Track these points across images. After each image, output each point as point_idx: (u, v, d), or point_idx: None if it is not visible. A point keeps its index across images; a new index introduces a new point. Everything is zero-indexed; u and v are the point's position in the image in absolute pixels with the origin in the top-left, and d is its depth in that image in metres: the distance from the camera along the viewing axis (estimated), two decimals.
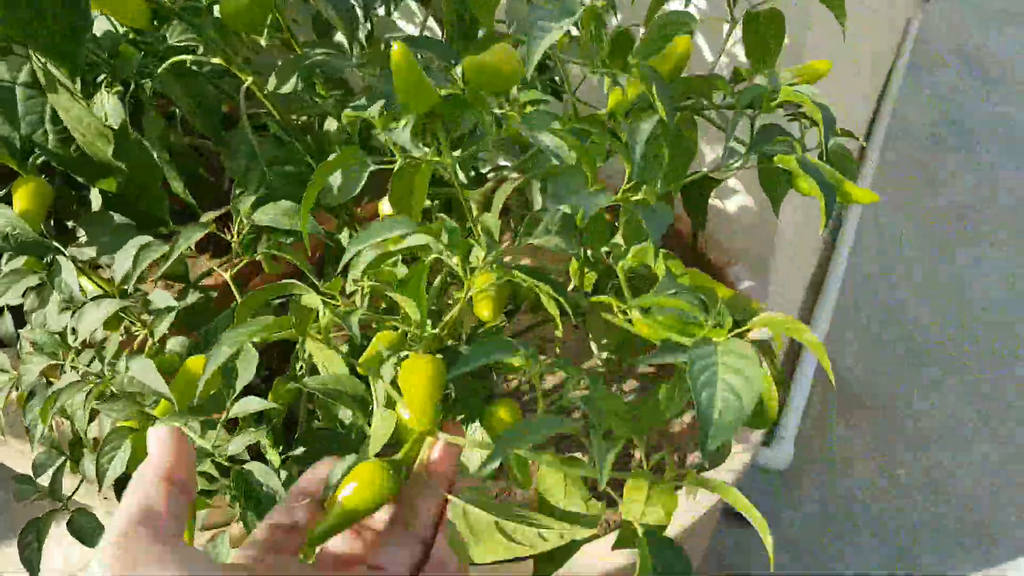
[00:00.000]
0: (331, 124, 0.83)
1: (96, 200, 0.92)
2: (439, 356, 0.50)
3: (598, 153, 0.54)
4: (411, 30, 1.34)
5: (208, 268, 1.15)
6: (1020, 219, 2.24)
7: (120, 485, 0.77)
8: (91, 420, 0.78)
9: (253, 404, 0.62)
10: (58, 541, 1.67)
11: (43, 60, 0.64)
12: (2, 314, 1.15)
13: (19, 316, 1.02)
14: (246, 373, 0.61)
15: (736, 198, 1.35)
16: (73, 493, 0.88)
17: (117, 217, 0.80)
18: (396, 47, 0.49)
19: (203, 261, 1.29)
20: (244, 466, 0.63)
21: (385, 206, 0.72)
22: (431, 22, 1.07)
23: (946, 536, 1.53)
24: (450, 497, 0.47)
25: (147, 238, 0.67)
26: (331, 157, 0.71)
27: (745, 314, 0.45)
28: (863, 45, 1.71)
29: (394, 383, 0.51)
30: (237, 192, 0.72)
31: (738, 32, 0.74)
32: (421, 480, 0.48)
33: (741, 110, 0.57)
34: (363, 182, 0.73)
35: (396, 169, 0.53)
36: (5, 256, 0.82)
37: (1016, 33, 3.02)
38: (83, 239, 0.81)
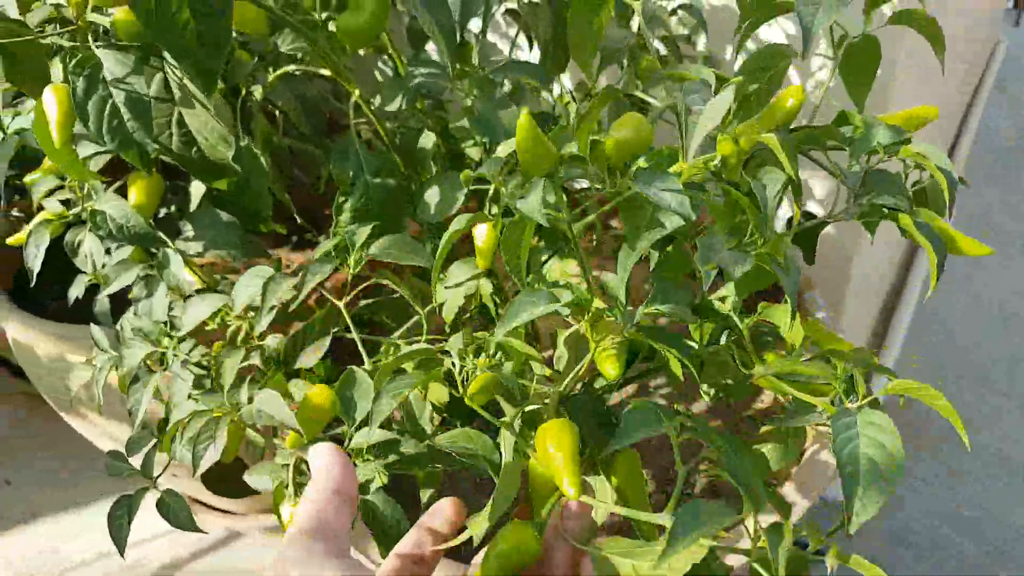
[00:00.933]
0: (426, 139, 0.85)
1: (196, 194, 0.96)
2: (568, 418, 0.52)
3: (724, 209, 0.55)
4: (496, 40, 1.35)
5: (288, 262, 1.19)
6: None
7: (209, 471, 0.80)
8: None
9: (377, 435, 0.64)
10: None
11: (178, 73, 0.67)
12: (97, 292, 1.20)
13: (113, 298, 1.07)
14: (364, 403, 0.64)
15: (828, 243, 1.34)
16: (162, 472, 0.92)
17: (222, 214, 0.84)
18: (523, 118, 0.51)
19: (283, 253, 1.33)
20: (367, 497, 0.66)
21: (480, 230, 0.73)
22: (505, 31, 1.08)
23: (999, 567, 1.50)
24: (587, 549, 0.49)
25: (269, 270, 0.70)
26: (430, 176, 0.74)
27: (867, 367, 0.46)
28: (951, 65, 1.68)
29: (522, 436, 0.54)
30: (340, 200, 0.74)
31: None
32: (558, 534, 0.50)
33: (855, 161, 0.57)
34: (460, 203, 0.76)
35: (510, 223, 0.55)
36: (114, 245, 0.87)
37: None
38: (189, 233, 0.84)
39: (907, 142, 0.56)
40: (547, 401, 0.57)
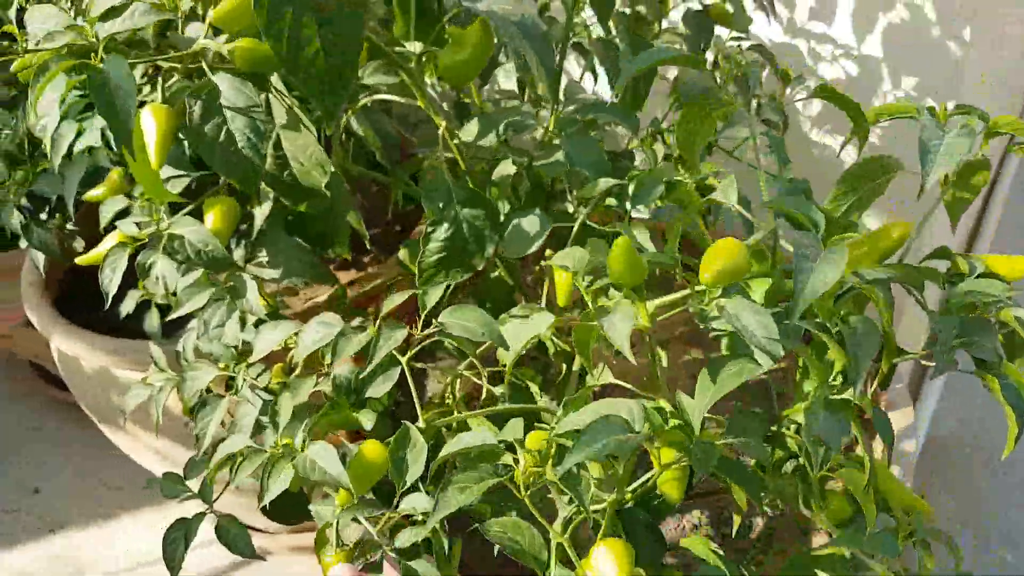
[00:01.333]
0: (504, 167, 0.84)
1: (260, 218, 0.96)
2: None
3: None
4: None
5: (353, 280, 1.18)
6: None
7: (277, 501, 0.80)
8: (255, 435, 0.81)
9: (421, 502, 0.64)
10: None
11: (287, 100, 0.67)
12: (149, 309, 1.20)
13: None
14: (416, 466, 0.63)
15: None
16: (218, 497, 0.91)
17: (296, 240, 0.84)
18: (621, 241, 0.51)
19: (339, 272, 1.33)
20: (412, 563, 0.65)
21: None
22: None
23: None
24: None
25: (339, 322, 0.70)
26: (515, 209, 0.74)
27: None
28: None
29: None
30: (429, 230, 0.74)
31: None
32: None
33: (956, 310, 0.56)
34: (544, 238, 0.75)
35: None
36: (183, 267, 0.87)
37: None
38: (262, 258, 0.84)
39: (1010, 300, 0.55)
40: (601, 506, 0.58)
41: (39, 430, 2.03)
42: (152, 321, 1.15)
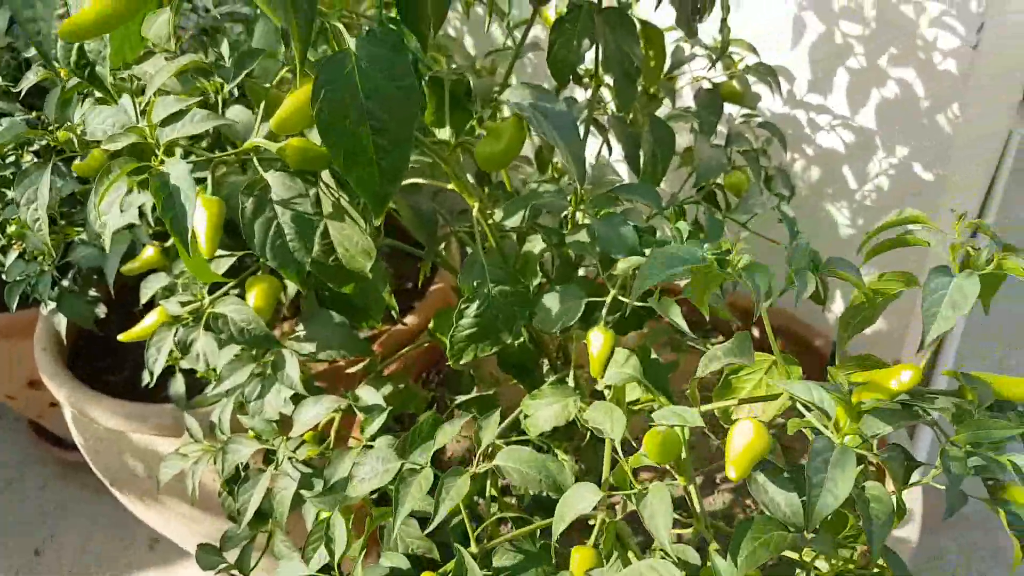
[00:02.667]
0: (532, 244, 0.88)
1: (291, 292, 1.00)
2: None
3: None
4: None
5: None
6: None
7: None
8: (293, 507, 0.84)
9: None
10: None
11: (334, 193, 0.71)
12: (174, 374, 1.22)
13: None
14: None
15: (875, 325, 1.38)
16: (255, 565, 0.93)
17: (333, 315, 0.87)
18: (652, 432, 0.55)
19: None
20: None
21: (596, 338, 0.77)
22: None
23: None
24: None
25: (394, 459, 0.74)
26: (548, 285, 0.78)
27: None
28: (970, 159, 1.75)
29: None
30: (463, 306, 0.78)
31: None
32: None
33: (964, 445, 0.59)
34: (580, 313, 0.79)
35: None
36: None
37: None
38: (301, 333, 0.87)
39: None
40: None
41: (42, 489, 2.02)
42: (177, 387, 1.17)
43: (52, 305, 1.22)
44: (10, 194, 1.12)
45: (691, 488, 0.70)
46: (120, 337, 0.88)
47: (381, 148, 0.57)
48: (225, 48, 0.75)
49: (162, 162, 0.64)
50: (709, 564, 0.64)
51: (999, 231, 0.74)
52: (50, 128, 0.77)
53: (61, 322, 1.19)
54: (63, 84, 0.78)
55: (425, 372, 1.37)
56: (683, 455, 0.68)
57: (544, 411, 0.82)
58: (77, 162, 0.76)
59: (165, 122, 0.62)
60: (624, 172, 1.51)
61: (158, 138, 0.61)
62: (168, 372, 1.24)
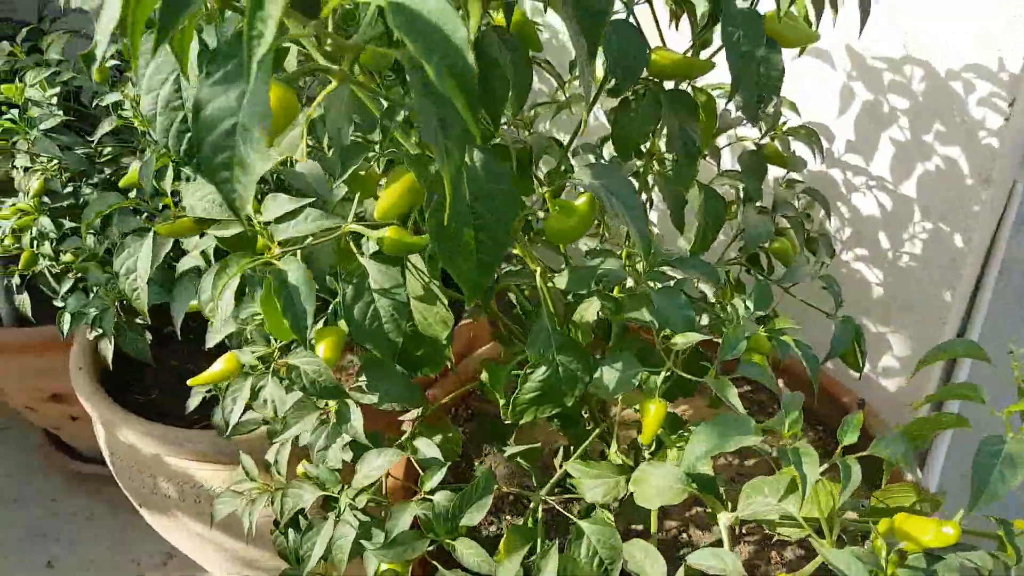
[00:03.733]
0: (588, 311, 0.91)
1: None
2: None
3: None
4: None
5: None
6: None
7: None
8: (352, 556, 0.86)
9: None
10: None
11: (425, 277, 0.74)
12: (217, 404, 1.25)
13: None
14: None
15: (898, 378, 1.42)
16: None
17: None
18: None
19: None
20: None
21: (650, 408, 0.81)
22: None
23: None
24: None
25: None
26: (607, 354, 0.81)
27: None
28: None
29: None
30: (528, 371, 0.81)
31: None
32: None
33: None
34: (636, 386, 0.82)
35: None
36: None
37: None
38: (363, 383, 0.90)
39: None
40: None
41: (54, 500, 2.04)
42: (220, 416, 1.20)
43: (99, 331, 1.25)
44: (67, 224, 1.15)
45: None
46: (190, 382, 0.91)
47: (482, 244, 0.61)
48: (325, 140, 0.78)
49: (279, 258, 0.67)
50: None
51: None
52: (146, 199, 0.80)
53: (108, 349, 1.21)
54: (155, 153, 0.81)
55: (454, 407, 1.39)
56: None
57: (594, 489, 0.86)
58: (161, 224, 0.78)
59: (280, 220, 0.65)
60: (655, 218, 1.55)
61: (271, 233, 0.65)
62: (181, 393, 1.29)
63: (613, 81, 0.73)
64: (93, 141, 1.11)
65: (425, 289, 0.74)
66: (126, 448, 1.40)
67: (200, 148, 0.41)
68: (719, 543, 0.83)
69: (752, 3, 0.77)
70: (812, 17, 0.82)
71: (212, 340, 0.93)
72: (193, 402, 1.24)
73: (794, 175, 1.15)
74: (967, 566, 0.62)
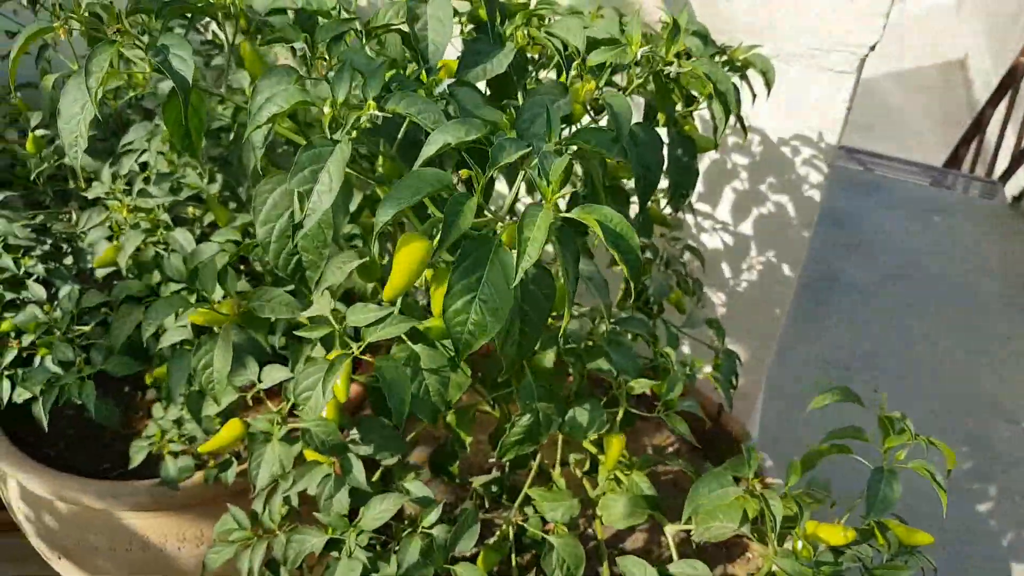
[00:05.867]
0: (545, 360, 1.09)
1: None
2: None
3: None
4: None
5: None
6: (880, 358, 2.79)
7: None
8: None
9: None
10: None
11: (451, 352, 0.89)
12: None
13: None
14: None
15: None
16: None
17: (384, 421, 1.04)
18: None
19: None
20: None
21: (613, 442, 1.02)
22: None
23: None
24: None
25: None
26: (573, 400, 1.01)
27: None
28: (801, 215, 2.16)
29: None
30: (517, 418, 0.99)
31: None
32: None
33: None
34: (598, 427, 1.02)
35: None
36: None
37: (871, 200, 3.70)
38: (356, 435, 1.03)
39: None
40: None
41: None
42: (168, 471, 1.26)
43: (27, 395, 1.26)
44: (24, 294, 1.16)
45: None
46: (200, 448, 0.99)
47: (524, 333, 0.77)
48: None
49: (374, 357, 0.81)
50: None
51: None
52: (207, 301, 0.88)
53: (41, 413, 1.23)
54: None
55: None
56: None
57: (554, 510, 1.06)
58: (205, 311, 0.87)
59: (370, 325, 0.79)
60: None
61: (362, 334, 0.78)
62: (92, 444, 1.34)
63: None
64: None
65: (451, 362, 0.90)
66: (47, 504, 1.41)
67: (446, 312, 0.55)
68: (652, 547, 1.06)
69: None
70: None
71: (211, 410, 1.02)
72: (137, 458, 1.29)
73: (677, 236, 1.40)
74: (857, 556, 0.89)
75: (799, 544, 0.89)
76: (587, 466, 1.20)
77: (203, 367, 0.86)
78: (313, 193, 0.54)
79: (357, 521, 1.00)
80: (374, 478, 1.12)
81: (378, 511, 1.01)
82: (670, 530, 1.03)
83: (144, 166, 1.05)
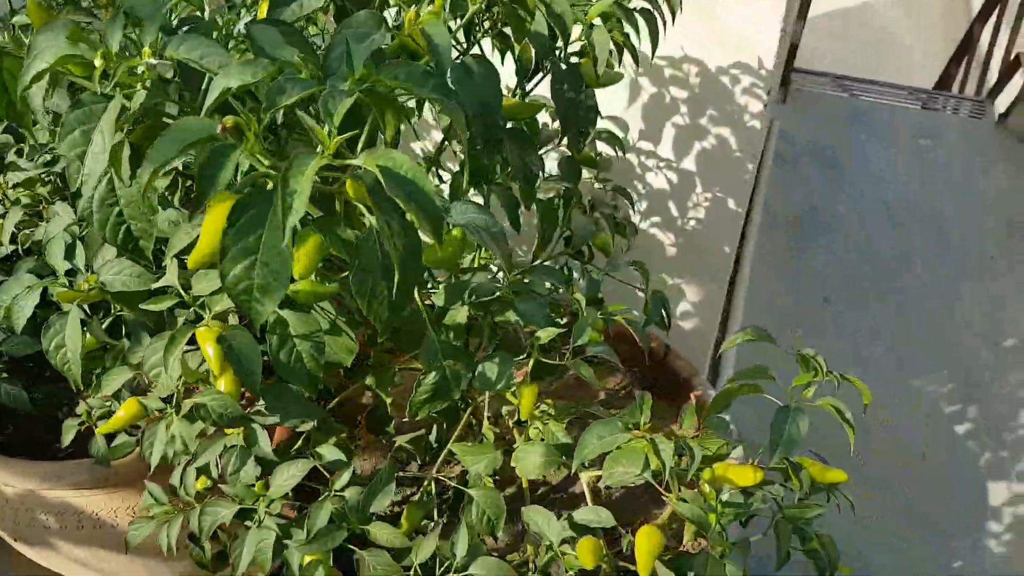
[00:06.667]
0: (458, 316, 1.06)
1: None
2: None
3: None
4: None
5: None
6: (863, 281, 2.74)
7: None
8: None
9: None
10: None
11: (330, 316, 0.86)
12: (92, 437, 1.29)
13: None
14: None
15: (693, 320, 1.69)
16: None
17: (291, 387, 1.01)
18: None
19: None
20: None
21: (526, 391, 0.98)
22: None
23: None
24: None
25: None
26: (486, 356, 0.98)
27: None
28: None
29: None
30: (422, 377, 0.96)
31: None
32: None
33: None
34: (506, 379, 0.99)
35: None
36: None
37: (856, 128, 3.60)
38: (261, 405, 1.01)
39: None
40: None
41: None
42: (98, 447, 1.25)
43: None
44: None
45: None
46: (98, 430, 0.97)
47: (393, 291, 0.74)
48: None
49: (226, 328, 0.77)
50: None
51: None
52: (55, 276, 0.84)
53: None
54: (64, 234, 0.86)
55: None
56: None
57: (477, 464, 1.03)
58: (67, 291, 0.84)
59: (215, 293, 0.74)
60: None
61: (207, 304, 0.74)
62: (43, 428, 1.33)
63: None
64: None
65: (332, 325, 0.86)
66: None
67: (224, 277, 0.51)
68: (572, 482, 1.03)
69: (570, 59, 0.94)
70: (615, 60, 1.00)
71: (109, 390, 0.99)
72: (67, 437, 1.27)
73: (607, 177, 1.35)
74: (768, 496, 0.86)
75: (706, 487, 0.86)
76: (516, 418, 1.17)
77: (55, 347, 0.83)
78: (87, 156, 0.50)
79: (264, 490, 0.99)
80: (296, 445, 1.10)
81: (285, 478, 0.98)
82: (584, 477, 1.00)
83: (21, 138, 1.02)
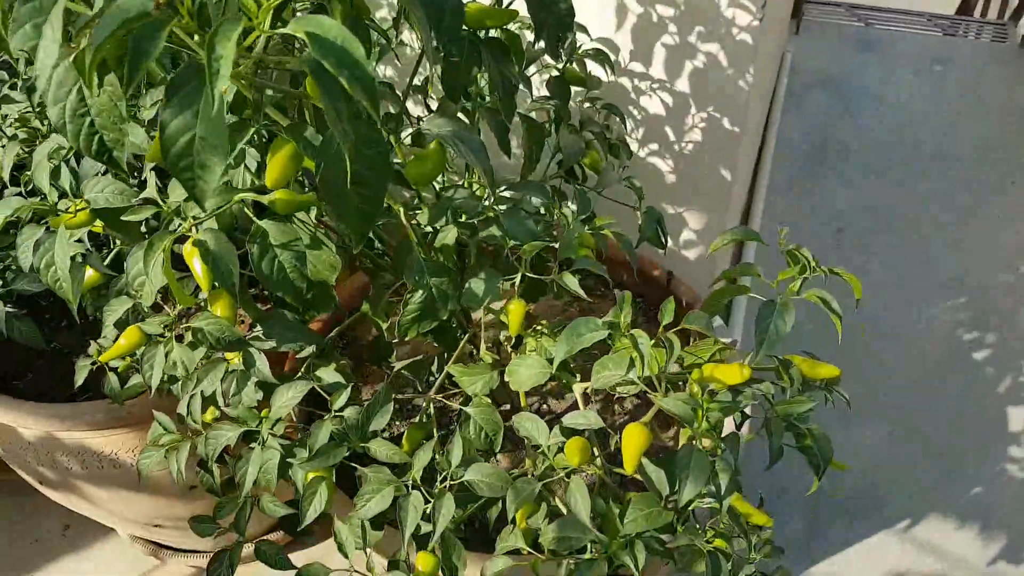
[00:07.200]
0: (447, 237, 1.07)
1: None
2: None
3: None
4: None
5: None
6: (875, 221, 2.72)
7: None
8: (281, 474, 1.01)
9: None
10: None
11: (310, 228, 0.87)
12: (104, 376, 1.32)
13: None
14: None
15: (697, 249, 1.69)
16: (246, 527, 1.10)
17: (287, 314, 1.03)
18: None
19: None
20: None
21: (512, 308, 0.99)
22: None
23: None
24: None
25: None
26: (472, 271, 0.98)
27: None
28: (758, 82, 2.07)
29: None
30: (408, 296, 0.97)
31: None
32: None
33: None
34: (493, 294, 1.00)
35: None
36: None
37: (869, 58, 3.53)
38: (259, 332, 1.03)
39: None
40: None
41: None
42: (112, 385, 1.28)
43: None
44: None
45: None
46: (101, 358, 1.00)
47: (364, 199, 0.75)
48: None
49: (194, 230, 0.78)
50: None
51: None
52: (44, 199, 0.86)
53: None
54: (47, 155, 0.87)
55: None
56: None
57: (474, 384, 1.05)
58: (58, 218, 0.86)
59: (188, 199, 0.76)
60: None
61: (183, 210, 0.75)
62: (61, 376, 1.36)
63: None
64: None
65: (312, 238, 0.87)
66: (15, 434, 1.45)
67: (166, 156, 0.52)
68: (575, 407, 1.04)
69: None
70: None
71: (110, 320, 1.02)
72: (80, 376, 1.31)
73: (594, 92, 1.34)
74: (758, 393, 0.86)
75: (695, 387, 0.87)
76: (513, 343, 1.18)
77: (45, 265, 0.85)
78: (39, 50, 0.52)
79: (266, 411, 1.01)
80: (301, 370, 1.13)
81: (285, 399, 1.01)
82: (577, 388, 1.02)
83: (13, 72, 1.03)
